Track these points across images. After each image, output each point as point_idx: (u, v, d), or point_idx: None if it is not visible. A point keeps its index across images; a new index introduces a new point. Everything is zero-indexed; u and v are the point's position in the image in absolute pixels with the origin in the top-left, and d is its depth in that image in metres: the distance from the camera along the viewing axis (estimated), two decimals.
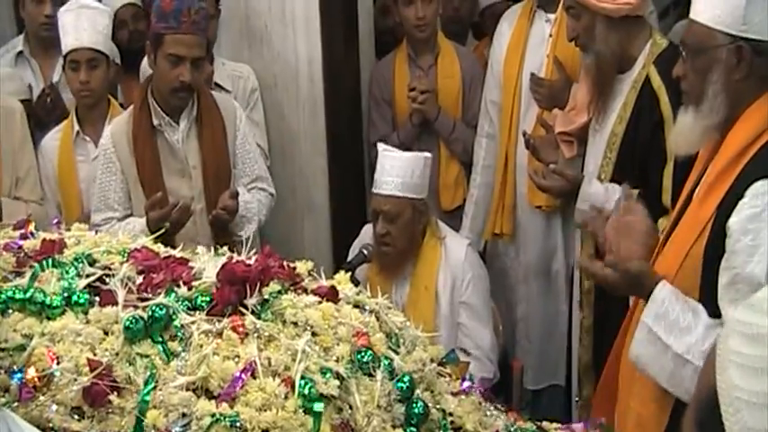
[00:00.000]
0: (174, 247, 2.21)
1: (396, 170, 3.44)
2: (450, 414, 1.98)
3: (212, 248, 2.15)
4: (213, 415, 1.66)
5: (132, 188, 3.56)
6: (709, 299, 2.19)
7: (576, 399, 3.25)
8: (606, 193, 3.02)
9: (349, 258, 3.53)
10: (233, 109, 3.69)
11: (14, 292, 1.86)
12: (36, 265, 1.98)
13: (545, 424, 2.22)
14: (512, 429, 2.10)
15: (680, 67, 2.36)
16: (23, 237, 2.17)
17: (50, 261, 2.00)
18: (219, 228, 3.52)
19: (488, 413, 2.11)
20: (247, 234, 3.51)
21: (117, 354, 1.76)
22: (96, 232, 3.02)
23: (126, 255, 2.06)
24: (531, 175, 3.34)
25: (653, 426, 2.34)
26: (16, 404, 1.68)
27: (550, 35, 3.82)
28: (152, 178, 3.51)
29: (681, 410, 2.18)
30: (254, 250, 2.12)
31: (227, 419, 1.66)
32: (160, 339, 1.79)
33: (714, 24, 2.21)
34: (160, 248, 2.18)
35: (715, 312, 2.17)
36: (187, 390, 1.71)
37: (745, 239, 2.10)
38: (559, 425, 2.26)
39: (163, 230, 2.65)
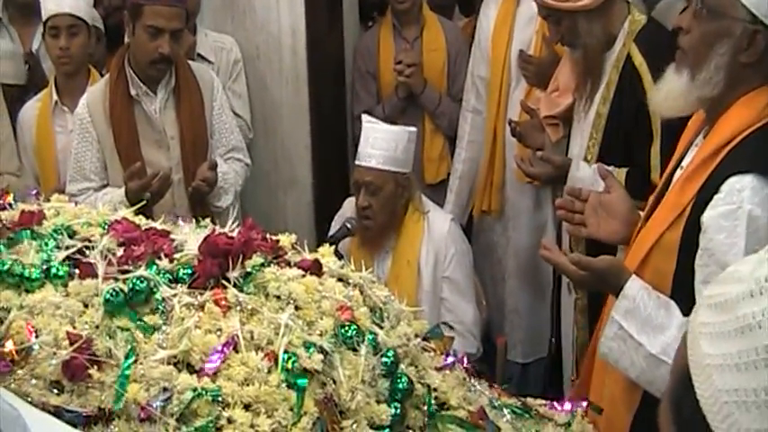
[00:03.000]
0: (152, 219, 2.18)
1: (380, 143, 3.42)
2: (435, 389, 1.97)
3: (190, 219, 2.13)
4: (195, 389, 1.64)
5: (109, 158, 3.53)
6: (681, 291, 2.14)
7: (573, 378, 3.24)
8: (594, 175, 3.00)
9: (331, 232, 3.51)
10: (210, 79, 3.66)
11: None
12: (11, 235, 1.95)
13: (529, 400, 2.21)
14: (496, 405, 2.09)
15: (686, 18, 2.20)
16: (1, 208, 2.13)
17: (28, 232, 1.96)
18: (198, 199, 3.49)
19: (472, 388, 2.10)
20: (224, 204, 3.50)
21: (97, 327, 1.73)
22: (76, 204, 3.01)
23: (106, 227, 2.03)
24: (519, 162, 3.33)
25: (623, 406, 2.32)
26: None
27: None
28: (129, 149, 3.48)
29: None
30: (236, 223, 2.10)
31: (208, 394, 1.64)
32: (137, 317, 1.76)
33: None
34: (141, 220, 2.15)
35: (687, 307, 2.10)
36: (168, 364, 1.69)
37: (720, 237, 2.05)
38: (543, 401, 2.25)
39: (144, 202, 2.62)
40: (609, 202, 2.42)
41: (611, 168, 2.97)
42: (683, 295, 2.13)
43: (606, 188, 2.47)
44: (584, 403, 2.22)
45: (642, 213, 2.41)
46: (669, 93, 2.25)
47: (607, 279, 2.20)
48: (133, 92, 3.49)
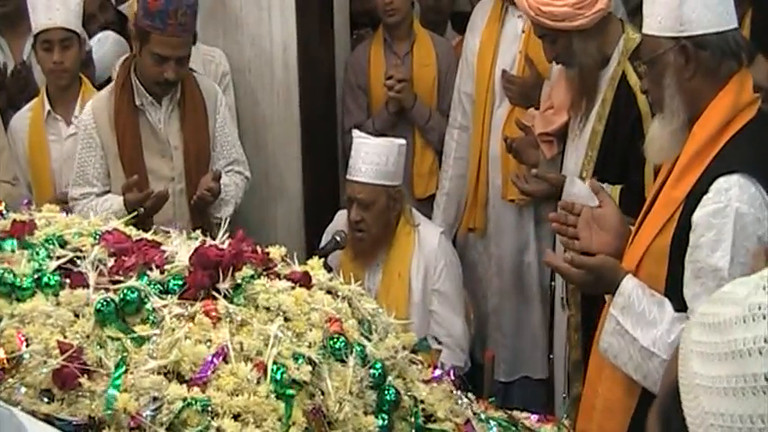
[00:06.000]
0: (149, 229, 2.20)
1: (370, 157, 3.44)
2: (422, 401, 1.99)
3: (190, 230, 2.15)
4: (184, 399, 1.65)
5: (112, 165, 3.56)
6: (674, 291, 2.22)
7: (564, 396, 3.26)
8: (590, 191, 3.02)
9: (322, 245, 3.53)
10: (214, 92, 3.70)
11: None
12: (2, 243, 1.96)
13: (515, 413, 2.23)
14: (483, 417, 2.11)
15: (644, 81, 2.45)
16: None
17: (18, 242, 1.97)
18: (200, 209, 3.52)
19: (459, 401, 2.11)
20: (224, 216, 3.52)
21: (88, 336, 1.74)
22: (71, 208, 3.06)
23: (97, 237, 2.04)
24: (514, 180, 3.35)
25: (621, 411, 2.37)
26: None
27: (523, 31, 3.82)
28: (132, 157, 3.51)
29: (648, 397, 2.24)
30: (226, 235, 2.11)
31: (198, 404, 1.65)
32: (126, 328, 1.78)
33: (658, 32, 2.30)
34: (132, 231, 2.16)
35: (680, 306, 2.20)
36: (158, 373, 1.70)
37: (709, 234, 2.14)
38: (529, 414, 2.27)
39: (136, 213, 2.63)
40: (601, 216, 2.50)
41: (605, 185, 3.01)
42: (676, 295, 2.21)
43: (598, 203, 2.53)
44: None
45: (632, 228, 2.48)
46: (650, 140, 2.41)
47: (603, 276, 2.29)
48: (138, 101, 3.52)
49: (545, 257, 2.49)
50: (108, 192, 3.57)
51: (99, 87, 4.02)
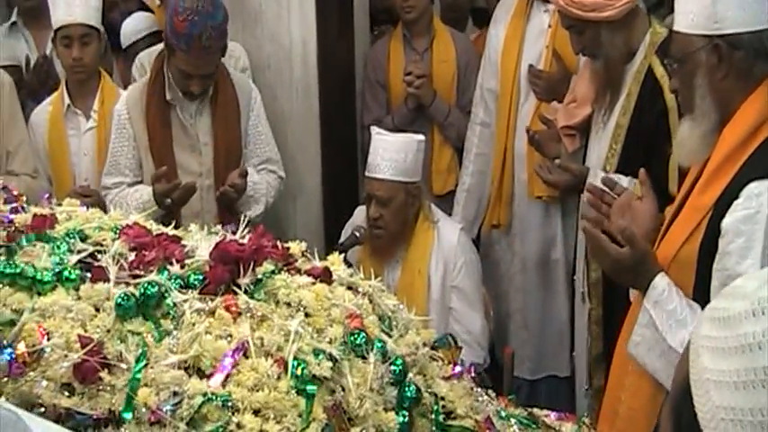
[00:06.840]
0: (178, 222, 2.20)
1: (389, 153, 3.44)
2: (442, 398, 1.97)
3: (216, 226, 2.16)
4: (205, 394, 1.65)
5: (143, 157, 3.60)
6: (702, 300, 2.17)
7: (586, 388, 3.24)
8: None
9: (341, 240, 3.52)
10: (249, 90, 3.71)
11: (4, 267, 1.83)
12: (22, 238, 1.96)
13: (536, 411, 2.22)
14: (503, 415, 2.09)
15: (673, 81, 2.38)
16: (14, 211, 2.14)
17: (40, 235, 1.97)
18: (226, 205, 3.53)
19: (480, 398, 2.10)
20: (254, 214, 3.53)
21: (108, 331, 1.74)
22: (104, 197, 3.09)
23: (118, 231, 2.04)
24: (537, 170, 3.34)
25: (644, 419, 2.32)
26: (6, 380, 1.66)
27: (549, 26, 3.80)
28: (162, 151, 3.54)
29: None
30: (247, 230, 2.11)
31: (218, 399, 1.65)
32: (153, 321, 1.78)
33: (690, 30, 2.22)
34: (152, 226, 2.16)
35: None
36: (179, 368, 1.70)
37: (739, 241, 2.09)
38: (550, 411, 2.25)
39: (159, 206, 2.63)
40: (637, 209, 2.43)
41: (628, 179, 2.97)
42: (704, 303, 2.14)
43: (640, 195, 2.47)
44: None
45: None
46: (680, 142, 2.34)
47: (642, 264, 2.21)
48: (169, 96, 3.54)
49: (583, 224, 2.36)
50: (140, 182, 3.60)
51: (125, 50, 4.07)
